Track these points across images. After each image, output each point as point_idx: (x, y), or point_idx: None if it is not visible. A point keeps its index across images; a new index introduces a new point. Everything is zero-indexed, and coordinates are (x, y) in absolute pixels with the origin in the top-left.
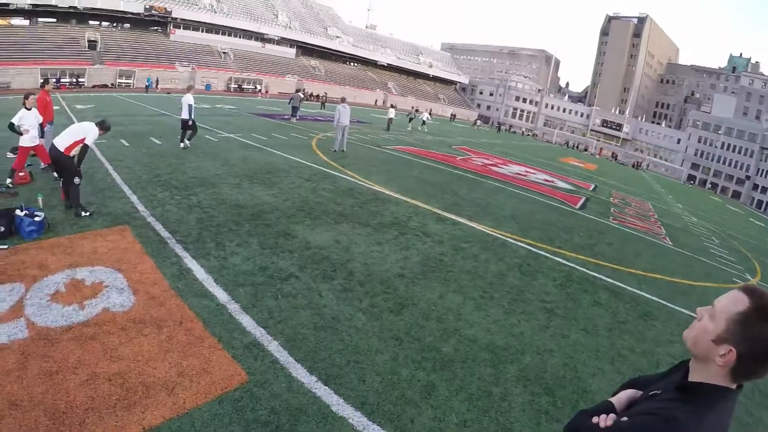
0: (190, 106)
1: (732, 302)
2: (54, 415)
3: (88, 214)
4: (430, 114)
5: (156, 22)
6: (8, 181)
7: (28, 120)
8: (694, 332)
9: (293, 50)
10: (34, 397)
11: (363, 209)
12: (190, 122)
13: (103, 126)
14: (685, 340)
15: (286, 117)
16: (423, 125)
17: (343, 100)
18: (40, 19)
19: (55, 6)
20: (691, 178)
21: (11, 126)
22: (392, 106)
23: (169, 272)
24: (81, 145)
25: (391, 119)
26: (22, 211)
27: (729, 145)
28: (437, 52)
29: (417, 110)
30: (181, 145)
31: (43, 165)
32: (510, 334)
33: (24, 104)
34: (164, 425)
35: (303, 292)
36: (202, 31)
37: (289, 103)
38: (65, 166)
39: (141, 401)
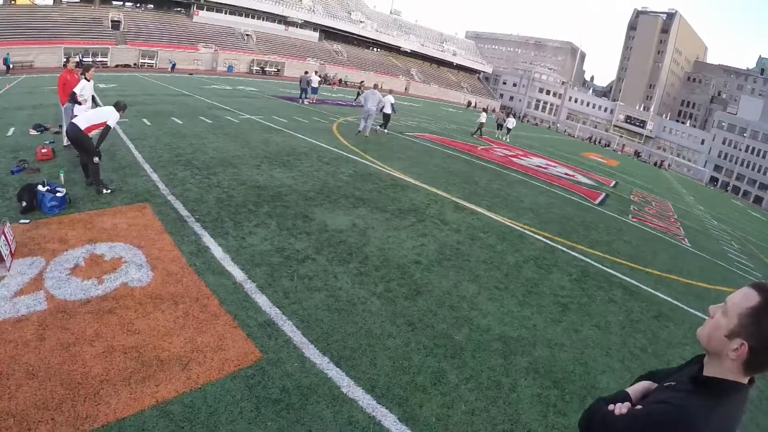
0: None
1: (743, 298)
2: (69, 385)
3: (109, 191)
4: (514, 116)
5: (179, 3)
6: (66, 141)
7: (88, 91)
8: (707, 329)
9: (316, 34)
10: (50, 368)
11: (381, 194)
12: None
13: (119, 107)
14: (699, 338)
15: (296, 99)
16: (507, 133)
17: (375, 86)
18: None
19: None
20: (713, 180)
21: (72, 94)
22: (484, 110)
23: (187, 250)
24: (102, 127)
25: (482, 123)
26: (44, 186)
27: (754, 148)
28: (461, 40)
29: (509, 114)
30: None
31: (66, 142)
32: (523, 326)
33: (84, 76)
34: (177, 399)
35: (319, 274)
36: (226, 13)
37: (300, 84)
38: (84, 146)
39: (155, 375)
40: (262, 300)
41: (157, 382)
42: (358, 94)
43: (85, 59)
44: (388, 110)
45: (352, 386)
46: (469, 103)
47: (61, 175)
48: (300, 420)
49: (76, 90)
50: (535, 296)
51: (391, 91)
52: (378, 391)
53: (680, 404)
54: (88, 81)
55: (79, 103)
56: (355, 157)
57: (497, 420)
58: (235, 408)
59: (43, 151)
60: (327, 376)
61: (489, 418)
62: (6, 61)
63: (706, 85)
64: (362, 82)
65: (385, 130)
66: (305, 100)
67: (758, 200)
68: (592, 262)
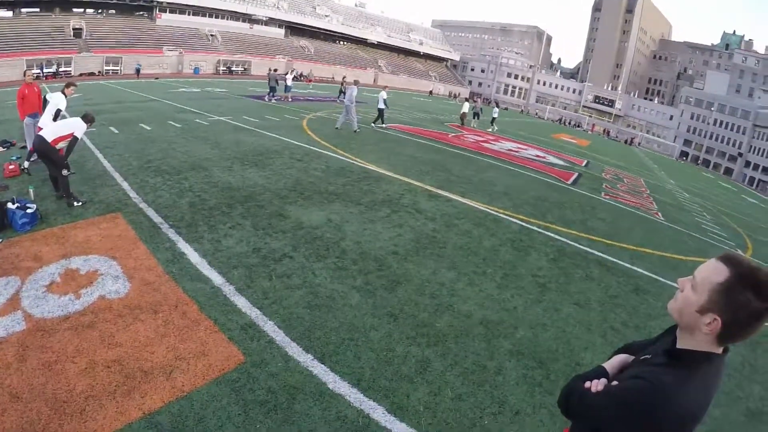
0: None
1: (712, 272)
2: (55, 404)
3: (80, 203)
4: (497, 105)
5: (142, 6)
6: (26, 164)
7: (63, 106)
8: (678, 304)
9: (282, 31)
10: (34, 388)
11: (355, 188)
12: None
13: (87, 119)
14: (670, 312)
15: (261, 97)
16: (492, 123)
17: (356, 82)
18: (23, 10)
19: None
20: (683, 154)
21: (58, 111)
22: (467, 99)
23: (162, 257)
24: (70, 138)
25: (464, 113)
26: (14, 204)
27: (722, 122)
28: (428, 29)
29: (479, 100)
30: None
31: (25, 164)
32: (503, 309)
33: (63, 92)
34: (164, 409)
35: (297, 271)
36: (189, 14)
37: (268, 82)
38: (52, 159)
39: (140, 386)
40: (241, 302)
41: (143, 393)
42: (341, 91)
43: (47, 70)
44: (381, 105)
45: (338, 381)
46: (431, 92)
47: (31, 190)
48: (288, 419)
49: (61, 107)
50: (513, 278)
51: (385, 87)
52: (364, 384)
53: (655, 378)
54: (66, 97)
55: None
56: (327, 152)
57: (485, 404)
58: (223, 413)
59: (10, 167)
60: (312, 374)
61: (477, 402)
62: None
63: (672, 63)
64: (344, 77)
65: (383, 125)
66: (273, 98)
67: (728, 171)
68: (569, 241)
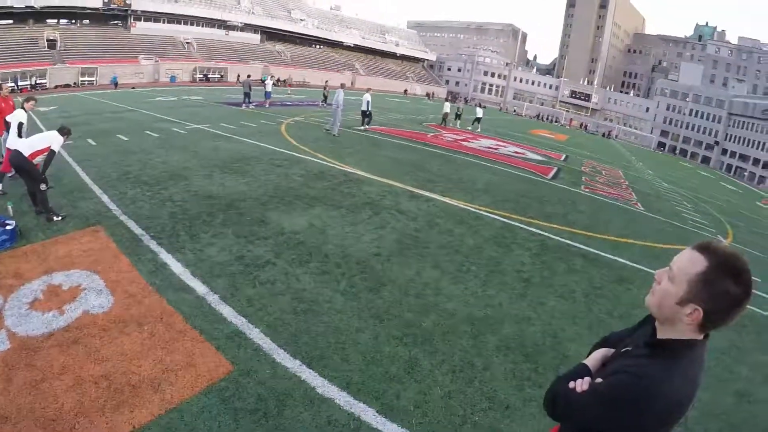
0: None
1: (689, 263)
2: (44, 423)
3: (60, 218)
4: (481, 106)
5: (116, 16)
6: None
7: (23, 120)
8: (656, 297)
9: (257, 36)
10: (22, 408)
11: (335, 191)
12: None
13: (63, 132)
14: (648, 306)
15: (238, 104)
16: (476, 122)
17: (342, 86)
18: None
19: (11, 7)
20: (661, 145)
21: (20, 125)
22: (447, 99)
23: (145, 269)
24: (47, 152)
25: (446, 114)
26: None
27: (697, 112)
28: (404, 31)
29: (464, 102)
30: None
31: (10, 173)
32: (488, 305)
33: (23, 106)
34: (153, 422)
35: (280, 277)
36: (164, 22)
37: (243, 88)
38: (29, 173)
39: (128, 401)
40: (226, 311)
41: (132, 407)
42: (325, 96)
43: (22, 83)
44: (364, 107)
45: (327, 386)
46: (405, 91)
47: (10, 206)
48: (279, 426)
49: (23, 121)
50: (497, 275)
51: (368, 90)
52: (353, 387)
53: (639, 371)
54: (26, 112)
55: (20, 136)
56: (306, 157)
57: (475, 400)
58: (213, 423)
59: None
60: (301, 379)
61: (466, 398)
62: None
63: (646, 56)
64: (327, 81)
65: (365, 127)
66: (250, 104)
67: (706, 160)
68: (550, 235)
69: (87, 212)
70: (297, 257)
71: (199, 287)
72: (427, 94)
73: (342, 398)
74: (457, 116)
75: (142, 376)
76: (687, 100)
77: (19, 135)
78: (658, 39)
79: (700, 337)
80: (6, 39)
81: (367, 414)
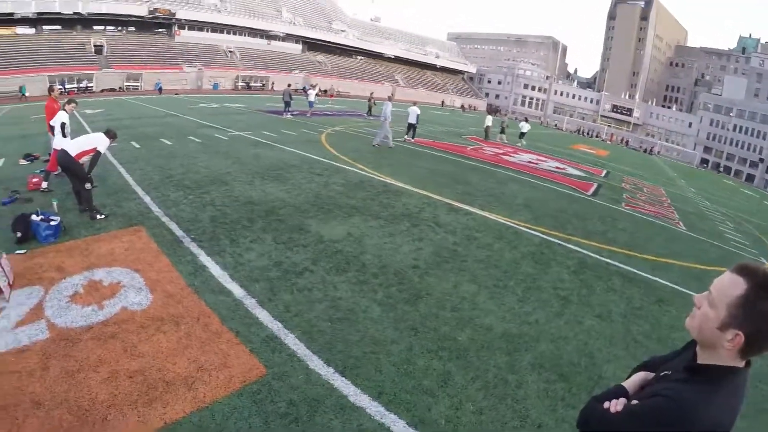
0: None
1: (729, 286)
2: (77, 412)
3: (103, 216)
4: (526, 121)
5: (160, 24)
6: (44, 184)
7: (67, 120)
8: (696, 322)
9: (299, 46)
10: (56, 396)
11: (374, 202)
12: None
13: (109, 135)
14: (688, 329)
15: (279, 112)
16: (522, 137)
17: (389, 98)
18: (45, 27)
19: (60, 13)
20: (703, 161)
21: (63, 125)
22: (489, 113)
23: (185, 270)
24: (93, 153)
25: (488, 127)
26: (37, 216)
27: (741, 127)
28: (443, 42)
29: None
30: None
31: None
32: (525, 322)
33: (64, 108)
34: (185, 419)
35: (318, 285)
36: (207, 31)
37: (283, 97)
38: (75, 173)
39: (161, 397)
40: (263, 315)
41: (164, 403)
42: (370, 108)
43: (68, 86)
44: (412, 120)
45: (358, 394)
46: (443, 103)
47: (54, 203)
48: None
49: (65, 121)
50: (535, 291)
51: (415, 103)
52: (385, 397)
53: (676, 395)
54: (67, 114)
55: (65, 135)
56: (346, 167)
57: (506, 417)
58: (244, 424)
59: (34, 180)
60: (333, 386)
61: (498, 416)
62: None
63: (689, 69)
64: (372, 93)
65: (405, 138)
66: (290, 112)
67: (750, 178)
68: (589, 253)
69: (130, 212)
70: (335, 266)
71: (237, 290)
72: (462, 106)
73: (373, 408)
74: (502, 130)
75: (176, 373)
76: (731, 114)
77: (64, 135)
78: (701, 51)
79: (742, 364)
80: (55, 44)
81: (398, 425)
